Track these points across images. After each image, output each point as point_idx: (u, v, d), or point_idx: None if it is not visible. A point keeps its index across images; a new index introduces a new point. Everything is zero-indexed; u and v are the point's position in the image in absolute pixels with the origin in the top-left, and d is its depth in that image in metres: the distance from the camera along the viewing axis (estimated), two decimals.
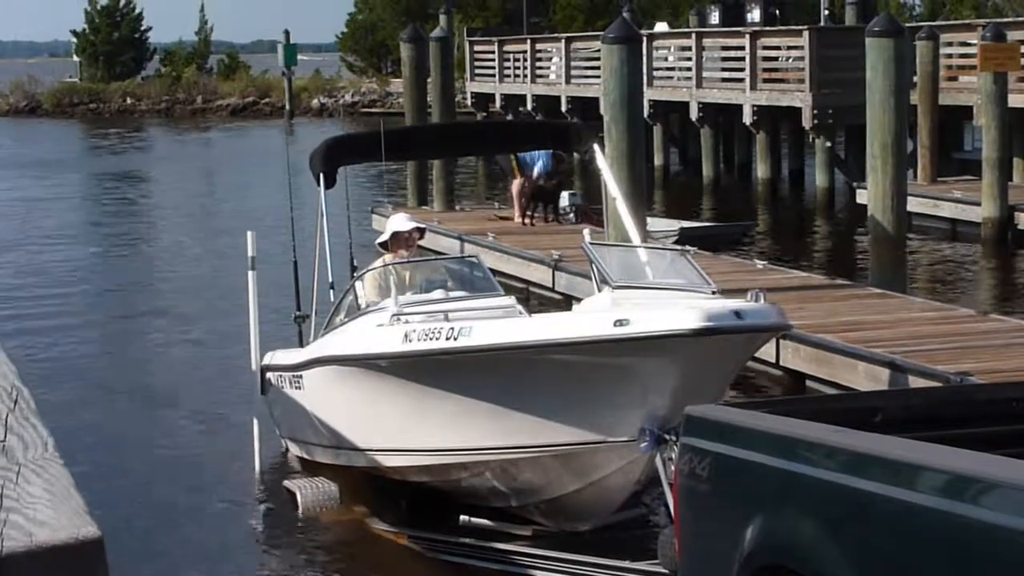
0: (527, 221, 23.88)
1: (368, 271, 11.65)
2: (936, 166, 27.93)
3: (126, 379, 16.54)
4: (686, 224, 25.27)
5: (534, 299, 19.31)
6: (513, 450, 9.71)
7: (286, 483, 11.72)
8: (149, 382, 16.32)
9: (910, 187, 19.46)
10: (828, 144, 32.14)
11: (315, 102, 71.07)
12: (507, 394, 9.48)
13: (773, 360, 14.44)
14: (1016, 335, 14.10)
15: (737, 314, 8.80)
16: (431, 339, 9.55)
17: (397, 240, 12.19)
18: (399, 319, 10.12)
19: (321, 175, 12.95)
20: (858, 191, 26.59)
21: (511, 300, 10.93)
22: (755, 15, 44.73)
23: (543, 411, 9.40)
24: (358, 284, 11.44)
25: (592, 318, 9.27)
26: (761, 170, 34.68)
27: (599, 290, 10.69)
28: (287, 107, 69.12)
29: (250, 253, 12.63)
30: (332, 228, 12.63)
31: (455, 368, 9.57)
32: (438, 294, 10.96)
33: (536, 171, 23.73)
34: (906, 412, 6.10)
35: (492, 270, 12.31)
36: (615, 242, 12.43)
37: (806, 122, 30.95)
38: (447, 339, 9.45)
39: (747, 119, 33.23)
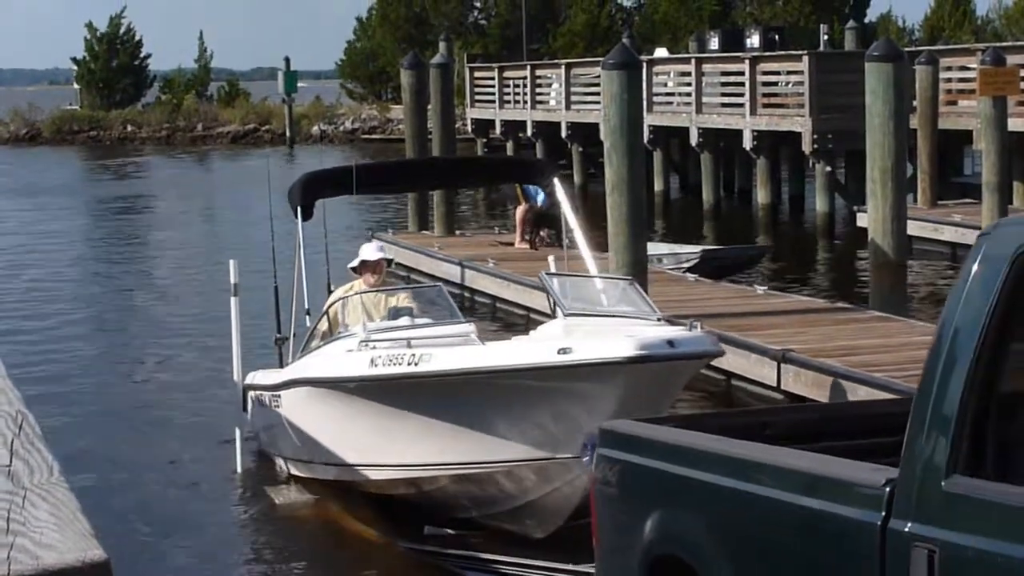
0: (531, 246, 23.93)
1: (341, 299, 12.54)
2: (936, 190, 27.96)
3: (118, 397, 16.94)
4: (708, 247, 25.44)
5: (533, 325, 19.33)
6: (468, 465, 10.61)
7: (266, 488, 12.69)
8: (139, 398, 16.81)
9: (910, 211, 19.50)
10: (828, 168, 32.17)
11: (315, 129, 71.18)
12: (462, 415, 10.41)
13: (774, 384, 14.45)
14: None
15: (670, 343, 9.78)
16: (395, 364, 10.53)
17: (366, 266, 13.00)
18: (367, 345, 11.00)
19: (299, 208, 13.73)
20: (858, 215, 26.61)
21: (471, 327, 11.56)
22: (754, 40, 44.81)
23: (495, 430, 10.32)
24: (332, 310, 12.42)
25: (538, 346, 10.28)
26: (761, 195, 34.71)
27: (556, 316, 11.59)
28: (288, 134, 69.23)
29: (233, 280, 13.50)
30: (316, 255, 13.73)
31: (416, 391, 10.53)
32: (404, 321, 11.74)
33: (538, 203, 23.90)
34: (792, 426, 6.77)
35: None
36: (570, 272, 13.22)
37: (806, 147, 30.99)
38: (409, 364, 10.42)
39: (747, 144, 33.27)
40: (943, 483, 4.80)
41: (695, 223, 34.67)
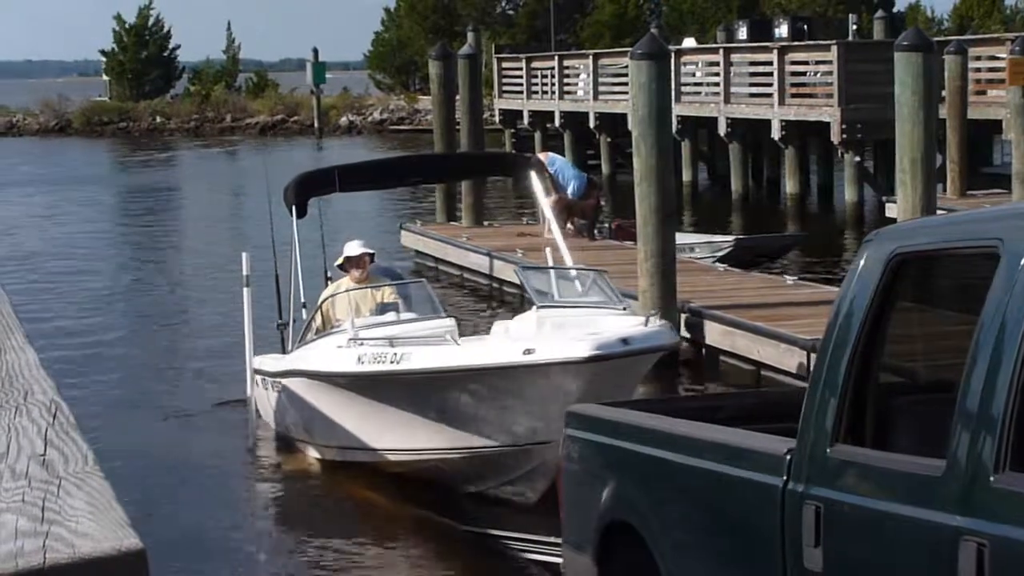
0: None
1: (332, 296, 13.58)
2: (965, 180, 27.86)
3: (143, 383, 17.28)
4: (741, 236, 25.42)
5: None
6: (445, 451, 11.83)
7: (289, 472, 13.45)
8: (163, 384, 17.23)
9: (940, 201, 19.42)
10: (857, 159, 32.07)
11: (344, 120, 71.24)
12: (439, 406, 11.60)
13: (804, 374, 14.42)
14: None
15: (624, 341, 10.94)
16: (378, 362, 11.70)
17: (350, 262, 13.91)
18: (355, 343, 12.12)
19: (293, 207, 14.55)
20: (887, 205, 26.52)
21: (451, 322, 12.66)
22: (783, 30, 44.72)
23: (469, 421, 11.49)
24: (324, 306, 13.46)
25: (505, 347, 11.41)
26: (790, 185, 34.62)
27: (528, 309, 12.86)
28: (316, 125, 69.31)
29: (244, 272, 14.41)
30: (329, 248, 14.81)
31: (397, 385, 11.71)
32: (390, 316, 12.97)
33: (568, 193, 24.04)
34: (741, 410, 7.53)
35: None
36: (544, 265, 14.36)
37: (835, 137, 30.89)
38: (391, 363, 11.59)
39: (775, 134, 33.19)
40: (829, 450, 5.61)
41: (723, 213, 34.61)
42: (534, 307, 12.60)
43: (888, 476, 5.33)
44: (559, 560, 7.98)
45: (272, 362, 14.07)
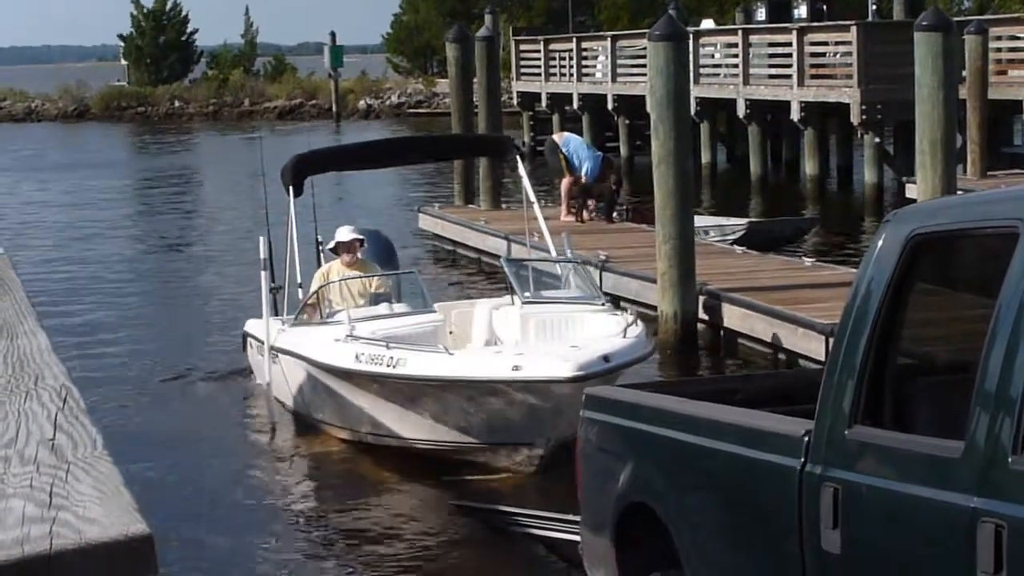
0: (577, 219, 23.92)
1: (326, 284, 14.33)
2: (986, 161, 27.76)
3: (156, 366, 17.30)
4: (754, 220, 25.33)
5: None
6: (431, 442, 12.78)
7: (303, 458, 13.88)
8: (176, 367, 17.23)
9: (960, 182, 19.36)
10: (877, 140, 31.97)
11: (361, 103, 71.28)
12: (428, 406, 12.51)
13: (822, 358, 14.37)
14: None
15: (605, 358, 11.82)
16: (376, 364, 12.55)
17: (341, 246, 14.66)
18: (352, 338, 12.94)
19: (290, 187, 15.18)
20: (907, 186, 26.41)
21: (440, 316, 13.82)
22: (802, 11, 44.60)
23: (456, 421, 12.43)
24: (320, 291, 14.18)
25: (495, 361, 12.24)
26: (809, 167, 34.53)
27: (513, 303, 13.91)
28: (334, 109, 69.33)
29: (262, 255, 14.75)
30: (316, 221, 16.09)
31: (391, 386, 12.60)
32: (383, 308, 13.86)
33: (583, 175, 23.95)
34: (758, 392, 7.61)
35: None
36: (527, 258, 15.57)
37: (854, 118, 30.79)
38: (387, 366, 12.44)
39: (795, 116, 33.10)
40: (847, 432, 5.62)
41: (742, 195, 34.53)
42: (518, 303, 13.73)
43: (906, 458, 5.32)
44: (577, 538, 8.06)
45: (264, 328, 14.81)
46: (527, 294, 13.83)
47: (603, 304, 13.80)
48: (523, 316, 13.55)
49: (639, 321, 13.52)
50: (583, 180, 24.08)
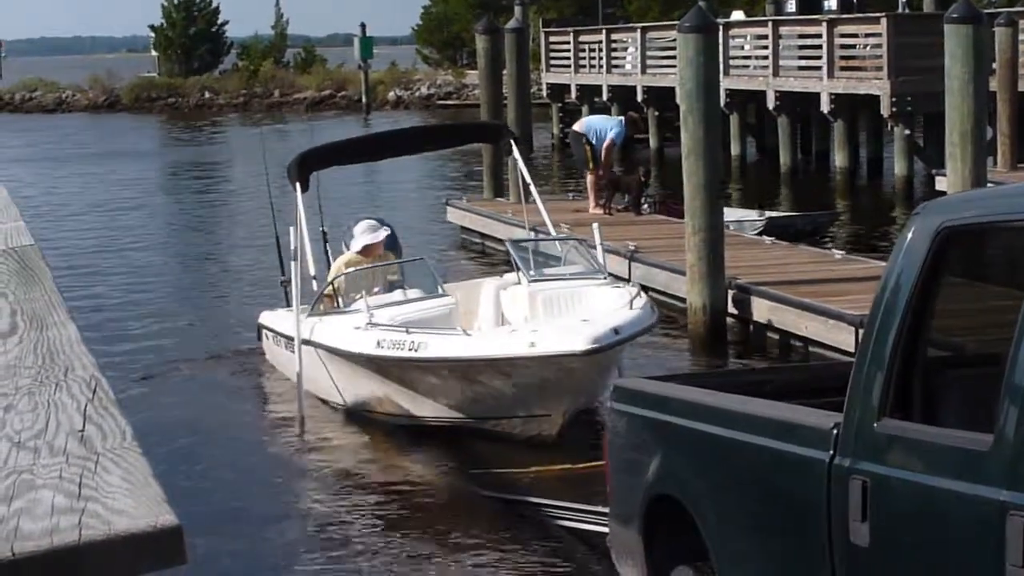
0: (605, 211, 23.89)
1: (342, 274, 14.63)
2: (1016, 153, 27.64)
3: (185, 358, 17.29)
4: (773, 214, 25.23)
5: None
6: (451, 420, 13.31)
7: (333, 450, 13.81)
8: (203, 356, 17.37)
9: (990, 174, 19.29)
10: (907, 132, 31.85)
11: (391, 95, 71.28)
12: (451, 386, 13.02)
13: (852, 350, 14.32)
14: None
15: (615, 331, 12.39)
16: (397, 349, 13.04)
17: (371, 248, 14.91)
18: (372, 325, 13.33)
19: (297, 183, 15.41)
20: (937, 179, 26.30)
21: (452, 299, 14.12)
22: (832, 2, 44.39)
23: (476, 397, 12.96)
24: (336, 282, 14.52)
25: (511, 339, 12.73)
26: (839, 158, 34.42)
27: (520, 283, 14.32)
28: (364, 100, 69.35)
29: (292, 246, 14.79)
30: (321, 213, 16.61)
31: (413, 369, 13.11)
32: (398, 294, 14.21)
33: (610, 138, 23.81)
34: (787, 384, 7.60)
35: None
36: (530, 238, 16.35)
37: (884, 110, 30.68)
38: (409, 350, 12.94)
39: (824, 107, 32.99)
40: (876, 425, 5.62)
41: (772, 187, 34.44)
42: (525, 282, 14.19)
43: (935, 451, 5.32)
44: (605, 530, 8.09)
45: (280, 320, 15.41)
46: (533, 273, 14.34)
47: (605, 278, 14.33)
48: (531, 294, 14.05)
49: (642, 292, 13.99)
50: (615, 145, 24.05)
